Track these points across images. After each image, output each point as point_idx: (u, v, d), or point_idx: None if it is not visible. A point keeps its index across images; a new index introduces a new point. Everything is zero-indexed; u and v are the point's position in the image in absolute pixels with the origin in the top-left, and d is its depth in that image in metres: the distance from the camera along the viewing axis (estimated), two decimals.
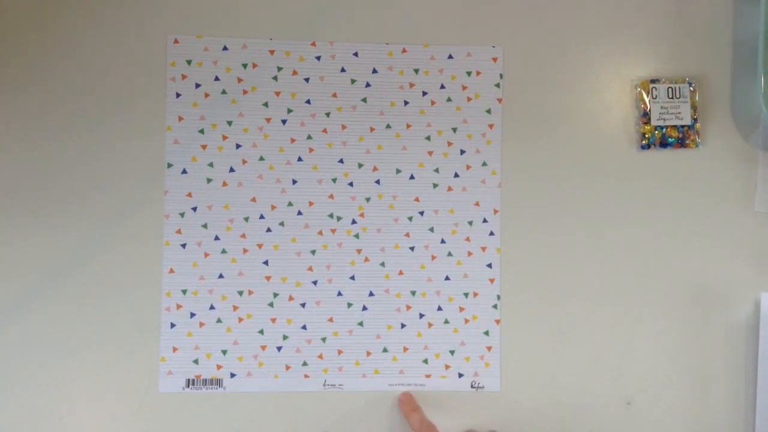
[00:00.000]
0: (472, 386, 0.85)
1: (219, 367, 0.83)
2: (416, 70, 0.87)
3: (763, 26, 0.85)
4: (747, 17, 0.89)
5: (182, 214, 0.84)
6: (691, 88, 0.88)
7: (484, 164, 0.87)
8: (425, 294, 0.86)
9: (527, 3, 0.88)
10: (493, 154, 0.87)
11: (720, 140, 0.89)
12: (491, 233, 0.86)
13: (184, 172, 0.84)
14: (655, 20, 0.90)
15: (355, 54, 0.86)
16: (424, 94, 0.87)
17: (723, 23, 0.90)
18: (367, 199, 0.86)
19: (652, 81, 0.88)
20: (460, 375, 0.85)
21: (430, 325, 0.85)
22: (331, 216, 0.85)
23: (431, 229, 0.86)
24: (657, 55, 0.90)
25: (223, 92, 0.85)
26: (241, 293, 0.84)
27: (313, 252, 0.85)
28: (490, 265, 0.86)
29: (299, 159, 0.85)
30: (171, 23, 0.85)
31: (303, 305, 0.84)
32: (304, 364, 0.84)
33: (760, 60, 0.85)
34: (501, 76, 0.87)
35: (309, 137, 0.85)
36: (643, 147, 0.88)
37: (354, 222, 0.85)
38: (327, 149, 0.85)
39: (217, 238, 0.84)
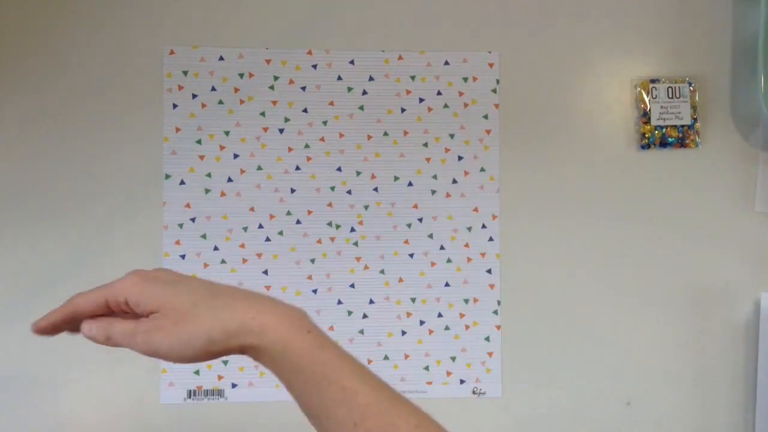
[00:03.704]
0: (473, 392, 0.86)
1: (220, 377, 0.84)
2: (413, 77, 0.86)
3: (763, 26, 0.84)
4: (747, 17, 0.88)
5: (181, 225, 0.84)
6: (691, 88, 0.88)
7: (482, 170, 0.87)
8: (425, 301, 0.86)
9: (522, 7, 0.88)
10: (491, 160, 0.87)
11: (720, 140, 0.89)
12: (490, 239, 0.86)
13: (182, 182, 0.84)
14: (655, 20, 0.89)
15: (351, 62, 0.86)
16: (421, 100, 0.86)
17: (723, 23, 0.89)
18: (366, 207, 0.85)
19: (652, 81, 0.88)
20: (462, 381, 0.86)
21: (430, 331, 0.86)
22: (330, 224, 0.85)
23: (430, 236, 0.86)
24: (657, 55, 0.89)
25: (220, 102, 0.85)
26: None
27: (313, 260, 0.85)
28: (489, 271, 0.86)
29: (297, 168, 0.85)
30: (167, 34, 0.85)
31: None
32: None
33: (760, 60, 0.84)
34: (498, 81, 0.87)
35: (306, 146, 0.85)
36: (643, 147, 0.88)
37: (353, 230, 0.85)
38: (325, 158, 0.85)
39: (216, 249, 0.84)
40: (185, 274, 0.55)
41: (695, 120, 0.88)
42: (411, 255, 0.86)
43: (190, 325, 0.51)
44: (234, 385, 0.84)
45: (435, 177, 0.86)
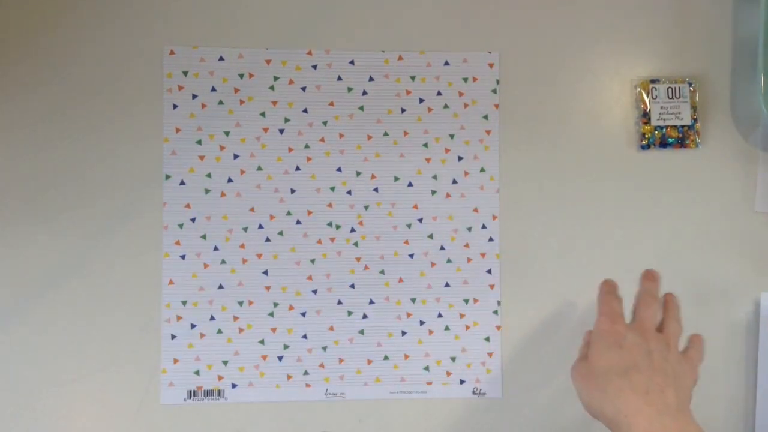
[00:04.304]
0: (473, 393, 0.86)
1: (220, 377, 0.84)
2: (413, 77, 0.86)
3: (763, 26, 0.84)
4: (747, 17, 0.88)
5: (181, 225, 0.84)
6: (691, 88, 0.88)
7: (483, 170, 0.87)
8: (425, 301, 0.86)
9: (523, 7, 0.88)
10: (491, 160, 0.87)
11: (720, 140, 0.89)
12: (490, 239, 0.86)
13: (182, 183, 0.84)
14: (655, 20, 0.89)
15: (352, 62, 0.86)
16: (421, 101, 0.86)
17: (723, 23, 0.89)
18: (366, 207, 0.85)
19: (652, 81, 0.88)
20: (462, 382, 0.86)
21: (430, 332, 0.86)
22: (330, 224, 0.85)
23: (430, 236, 0.86)
24: (657, 55, 0.89)
25: (220, 102, 0.85)
26: (241, 303, 0.84)
27: (313, 261, 0.85)
28: (489, 271, 0.86)
29: (297, 168, 0.85)
30: (167, 34, 0.85)
31: (303, 314, 0.85)
32: (306, 373, 0.84)
33: (760, 60, 0.84)
34: (498, 81, 0.87)
35: (306, 146, 0.85)
36: (643, 147, 0.88)
37: (353, 230, 0.85)
38: (325, 158, 0.85)
39: (216, 249, 0.84)
40: (648, 332, 0.70)
41: (695, 120, 0.88)
42: (411, 255, 0.86)
43: (589, 388, 0.66)
44: (234, 385, 0.84)
45: (435, 177, 0.86)
